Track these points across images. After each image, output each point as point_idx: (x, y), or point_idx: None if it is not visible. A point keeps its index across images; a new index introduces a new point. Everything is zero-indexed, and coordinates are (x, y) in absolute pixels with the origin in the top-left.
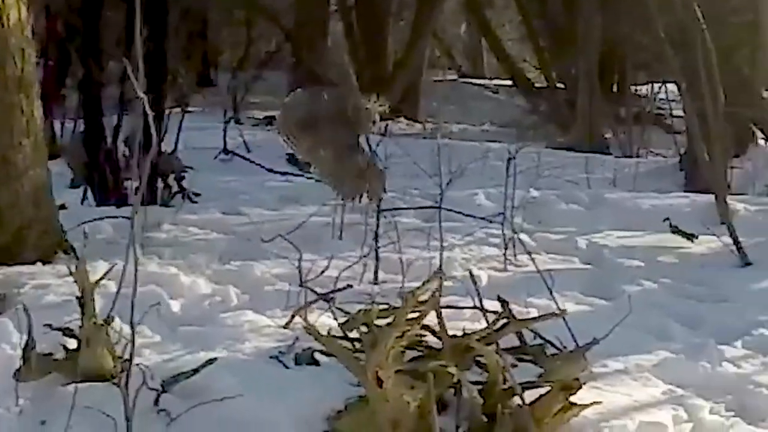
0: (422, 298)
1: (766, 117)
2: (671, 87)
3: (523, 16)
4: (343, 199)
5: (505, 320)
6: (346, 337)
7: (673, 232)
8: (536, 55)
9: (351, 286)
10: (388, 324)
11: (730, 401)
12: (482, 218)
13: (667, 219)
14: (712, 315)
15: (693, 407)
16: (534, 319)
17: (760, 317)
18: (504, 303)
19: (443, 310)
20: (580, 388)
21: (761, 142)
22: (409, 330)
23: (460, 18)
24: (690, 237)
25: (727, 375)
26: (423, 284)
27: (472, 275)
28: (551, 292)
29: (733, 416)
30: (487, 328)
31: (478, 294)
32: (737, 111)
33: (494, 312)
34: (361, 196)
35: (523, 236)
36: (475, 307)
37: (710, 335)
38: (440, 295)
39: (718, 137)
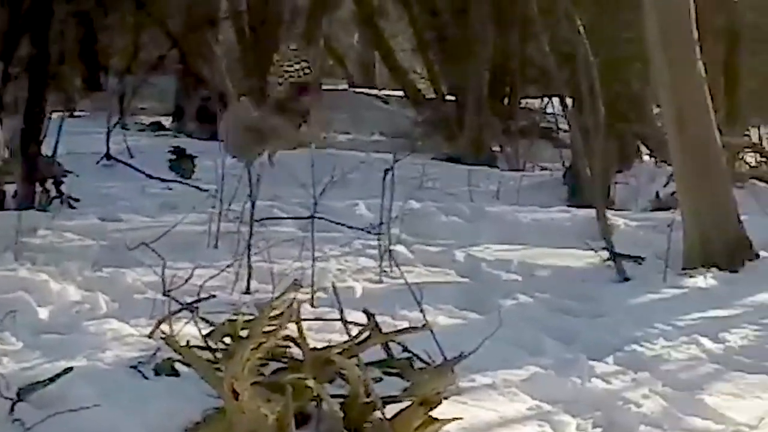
0: (279, 309)
1: (652, 132)
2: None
3: (413, 28)
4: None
5: (368, 333)
6: (209, 348)
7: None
8: (426, 66)
9: (215, 296)
10: (244, 336)
11: (598, 417)
12: (359, 229)
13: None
14: (587, 330)
15: (559, 423)
16: (397, 332)
17: (635, 333)
18: (369, 315)
19: (316, 322)
20: (441, 402)
21: (646, 157)
22: (265, 342)
23: (354, 28)
24: (637, 260)
25: (596, 391)
26: (280, 296)
27: (334, 287)
28: (420, 305)
29: None
30: (349, 340)
31: (339, 306)
32: (622, 126)
33: (360, 324)
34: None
35: (401, 248)
36: (336, 320)
37: (583, 351)
38: (299, 307)
39: (599, 152)
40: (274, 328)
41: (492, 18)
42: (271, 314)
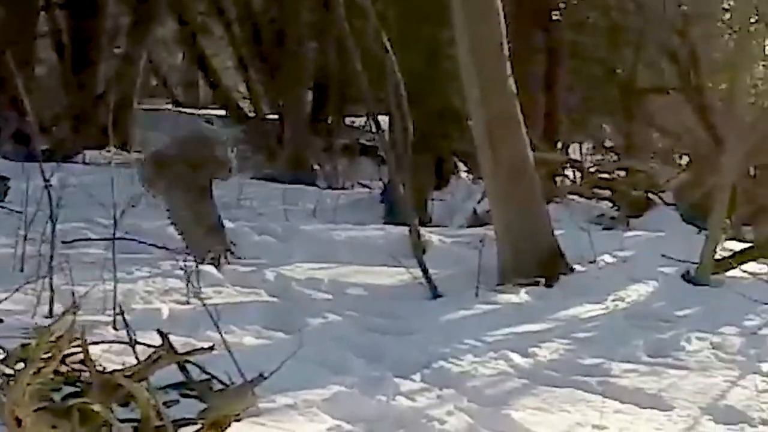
0: (59, 333)
1: (470, 149)
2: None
3: (233, 46)
4: (195, 257)
5: (158, 355)
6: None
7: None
8: (246, 85)
9: (2, 321)
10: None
11: None
12: (166, 249)
13: None
14: (395, 348)
15: None
16: (186, 353)
17: (443, 350)
18: (163, 336)
19: (120, 345)
20: (230, 425)
21: (464, 174)
22: (45, 367)
23: (177, 47)
24: None
25: (401, 409)
26: (57, 319)
27: (122, 310)
28: (217, 327)
29: None
30: (138, 363)
31: (127, 327)
32: (440, 143)
33: (153, 346)
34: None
35: (210, 268)
36: (125, 342)
37: (390, 369)
38: (84, 330)
39: (408, 169)
40: (51, 354)
41: (312, 37)
42: (51, 338)
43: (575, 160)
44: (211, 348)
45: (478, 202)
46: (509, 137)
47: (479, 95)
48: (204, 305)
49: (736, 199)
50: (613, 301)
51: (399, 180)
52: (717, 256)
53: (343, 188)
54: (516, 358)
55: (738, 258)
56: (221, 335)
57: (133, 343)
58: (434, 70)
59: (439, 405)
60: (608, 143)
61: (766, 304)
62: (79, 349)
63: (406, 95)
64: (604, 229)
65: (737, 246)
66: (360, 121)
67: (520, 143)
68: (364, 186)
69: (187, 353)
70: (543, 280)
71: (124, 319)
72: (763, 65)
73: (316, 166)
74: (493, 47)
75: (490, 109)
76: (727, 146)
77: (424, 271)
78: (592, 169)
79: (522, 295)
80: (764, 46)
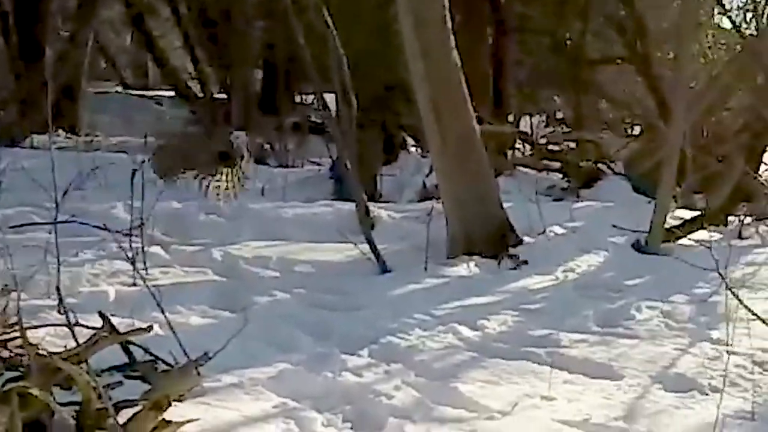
0: None
1: (418, 123)
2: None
3: (180, 26)
4: None
5: (97, 337)
6: None
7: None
8: (194, 65)
9: None
10: None
11: (348, 411)
12: (111, 230)
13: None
14: (343, 324)
15: (305, 420)
16: (125, 334)
17: (390, 324)
18: (104, 318)
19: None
20: (170, 405)
21: (413, 149)
22: None
23: (125, 28)
24: None
25: (348, 385)
26: None
27: (60, 293)
28: (161, 308)
29: (350, 427)
30: (77, 346)
31: (65, 310)
32: (389, 118)
33: (93, 328)
34: None
35: (158, 249)
36: (63, 325)
37: (337, 345)
38: (19, 312)
39: (353, 145)
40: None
41: (259, 15)
42: None
43: (524, 133)
44: (149, 328)
45: (427, 175)
46: (455, 111)
47: (423, 70)
48: (147, 286)
49: (686, 168)
50: (563, 272)
51: (346, 156)
52: (667, 225)
53: (292, 166)
54: (465, 331)
55: (688, 226)
56: (164, 315)
57: (72, 326)
58: (382, 45)
59: (386, 380)
60: (559, 115)
61: (714, 271)
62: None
63: (348, 71)
64: (554, 200)
65: (688, 214)
66: (310, 99)
67: (466, 117)
68: (314, 163)
69: (126, 333)
70: (492, 253)
71: (60, 301)
72: (713, 33)
73: (265, 145)
74: (437, 21)
75: (434, 84)
76: (674, 115)
77: (372, 246)
78: (542, 141)
79: (471, 268)
80: (712, 14)
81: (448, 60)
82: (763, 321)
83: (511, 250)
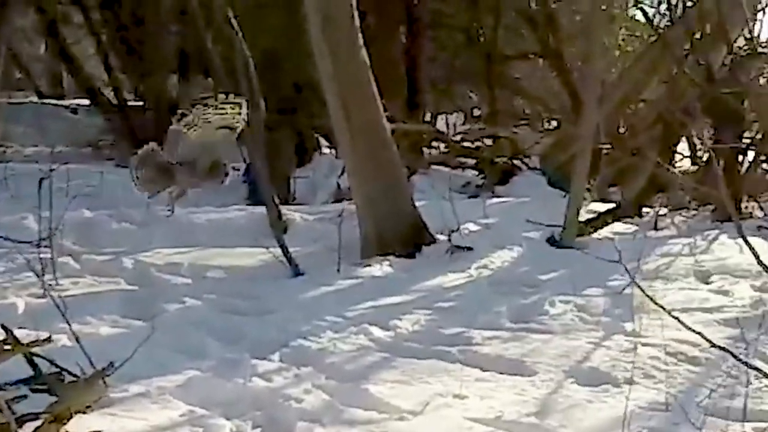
0: None
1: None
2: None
3: (93, 33)
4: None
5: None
6: None
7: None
8: (108, 72)
9: None
10: None
11: (257, 417)
12: (19, 242)
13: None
14: (254, 329)
15: (213, 427)
16: (27, 345)
17: (302, 328)
18: (6, 330)
19: None
20: (71, 417)
21: (326, 150)
22: None
23: (38, 37)
24: None
25: (257, 390)
26: None
27: None
28: (65, 317)
29: None
30: None
31: None
32: (303, 120)
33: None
34: None
35: (68, 259)
36: None
37: (248, 350)
38: None
39: (260, 147)
40: None
41: (173, 20)
42: None
43: (438, 130)
44: (49, 339)
45: (340, 176)
46: (364, 110)
47: (332, 69)
48: (52, 297)
49: (600, 161)
50: (477, 268)
51: (258, 160)
52: (582, 219)
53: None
54: (377, 331)
55: (602, 219)
56: (69, 326)
57: None
58: (292, 45)
59: (296, 384)
60: (477, 112)
61: (629, 263)
62: None
63: (257, 73)
64: (469, 197)
65: (603, 207)
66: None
67: (376, 116)
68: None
69: (27, 345)
70: (405, 252)
71: None
72: (626, 26)
73: None
74: (344, 19)
75: (343, 83)
76: (585, 108)
77: (284, 249)
78: (456, 138)
79: (384, 268)
80: (626, 7)
81: (357, 58)
82: (669, 312)
83: (425, 249)
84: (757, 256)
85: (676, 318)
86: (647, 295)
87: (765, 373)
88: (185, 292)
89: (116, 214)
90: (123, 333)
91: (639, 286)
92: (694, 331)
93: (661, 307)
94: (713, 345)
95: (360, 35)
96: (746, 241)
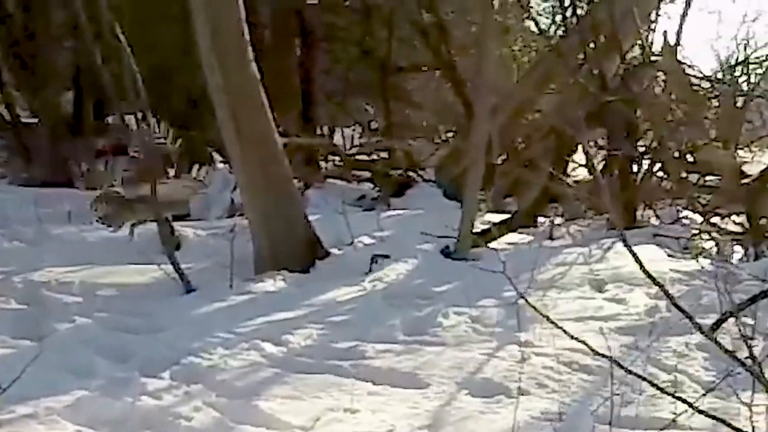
0: None
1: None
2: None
3: None
4: None
5: None
6: None
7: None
8: (0, 89)
9: None
10: None
11: None
12: None
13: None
14: (144, 347)
15: None
16: None
17: (192, 345)
18: None
19: None
20: None
21: (220, 164)
22: None
23: None
24: None
25: (147, 408)
26: None
27: None
28: None
29: None
30: None
31: None
32: (195, 134)
33: None
34: None
35: None
36: None
37: (137, 368)
38: None
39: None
40: None
41: (68, 35)
42: None
43: (333, 144)
44: None
45: (233, 191)
46: (255, 123)
47: (221, 81)
48: None
49: (494, 172)
50: (371, 282)
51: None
52: (477, 230)
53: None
54: (268, 347)
55: (497, 230)
56: None
57: None
58: (184, 59)
59: (186, 402)
60: (374, 125)
61: (516, 275)
62: None
63: (145, 88)
64: (365, 210)
65: (497, 218)
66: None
67: (266, 129)
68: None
69: None
70: (298, 267)
71: None
72: (521, 37)
73: (75, 169)
74: (233, 31)
75: (232, 95)
76: (477, 119)
77: (176, 266)
78: (352, 152)
79: (278, 284)
80: (520, 18)
81: (246, 70)
82: (553, 322)
83: (318, 264)
84: (641, 265)
85: (561, 327)
86: (531, 306)
87: (650, 381)
88: (76, 311)
89: (7, 233)
90: (11, 353)
91: (523, 296)
92: (578, 339)
93: (546, 317)
94: (596, 354)
95: (250, 47)
96: (631, 250)
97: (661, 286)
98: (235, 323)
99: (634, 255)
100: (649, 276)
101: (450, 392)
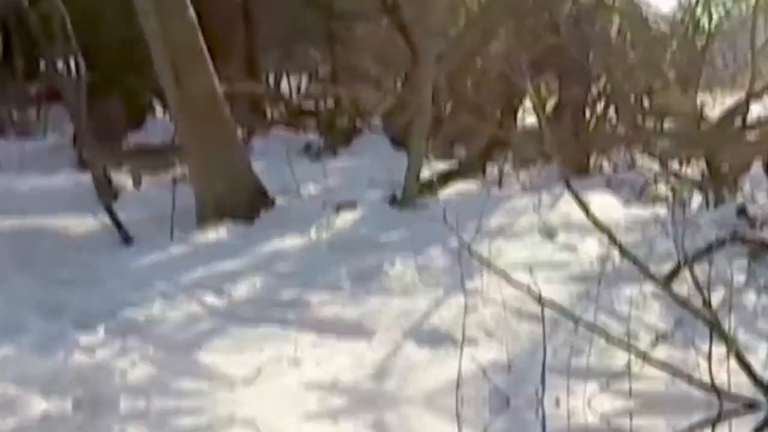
0: None
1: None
2: None
3: None
4: None
5: None
6: None
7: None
8: None
9: None
10: None
11: (79, 393)
12: None
13: None
14: (79, 300)
15: (27, 407)
16: None
17: (130, 297)
18: None
19: None
20: None
21: (160, 113)
22: None
23: None
24: None
25: (80, 364)
26: None
27: None
28: None
29: (80, 410)
30: None
31: None
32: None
33: None
34: None
35: None
36: None
37: (71, 323)
38: None
39: (83, 111)
40: None
41: None
42: None
43: (278, 92)
44: None
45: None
46: (194, 71)
47: (157, 28)
48: None
49: (442, 120)
50: (317, 231)
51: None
52: (425, 178)
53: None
54: (209, 298)
55: (444, 178)
56: None
57: None
58: (119, 4)
59: (121, 356)
60: (321, 72)
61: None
62: None
63: (75, 31)
64: (311, 159)
65: (445, 166)
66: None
67: (207, 77)
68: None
69: None
70: (243, 217)
71: None
72: None
73: (4, 115)
74: None
75: (170, 43)
76: (422, 66)
77: (113, 217)
78: (297, 100)
79: (220, 234)
80: None
81: (184, 17)
82: (495, 269)
83: (263, 214)
84: (587, 212)
85: (506, 275)
86: (475, 254)
87: (600, 329)
88: (6, 264)
89: None
90: None
91: (467, 244)
92: (521, 288)
93: (490, 264)
94: (541, 302)
95: None
96: (576, 196)
97: (609, 232)
98: (174, 274)
99: (579, 201)
100: (596, 223)
101: (396, 341)
